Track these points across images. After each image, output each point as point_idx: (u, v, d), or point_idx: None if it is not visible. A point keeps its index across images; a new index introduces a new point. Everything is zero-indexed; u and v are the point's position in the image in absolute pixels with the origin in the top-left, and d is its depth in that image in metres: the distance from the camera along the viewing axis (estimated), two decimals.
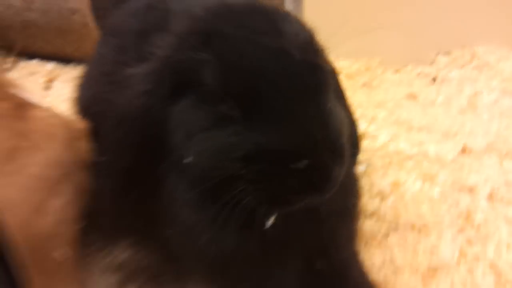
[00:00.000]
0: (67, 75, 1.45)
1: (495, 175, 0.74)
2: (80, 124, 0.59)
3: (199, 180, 0.43)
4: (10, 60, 1.57)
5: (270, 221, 0.43)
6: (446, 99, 1.07)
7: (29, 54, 1.60)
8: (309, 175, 0.40)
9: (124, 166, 0.47)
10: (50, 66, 1.53)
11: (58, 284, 0.52)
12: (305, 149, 0.40)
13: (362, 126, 0.88)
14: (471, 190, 0.70)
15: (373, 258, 0.58)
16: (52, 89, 1.34)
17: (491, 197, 0.69)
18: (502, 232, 0.62)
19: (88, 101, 0.63)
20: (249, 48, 0.43)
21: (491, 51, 1.27)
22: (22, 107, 0.55)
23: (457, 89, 1.12)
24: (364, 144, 0.84)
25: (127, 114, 0.46)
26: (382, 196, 0.69)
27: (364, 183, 0.71)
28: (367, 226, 0.63)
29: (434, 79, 1.22)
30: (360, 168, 0.71)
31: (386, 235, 0.62)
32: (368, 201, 0.68)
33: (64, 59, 1.54)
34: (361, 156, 0.71)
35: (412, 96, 1.12)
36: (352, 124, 0.58)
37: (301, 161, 0.39)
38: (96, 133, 0.58)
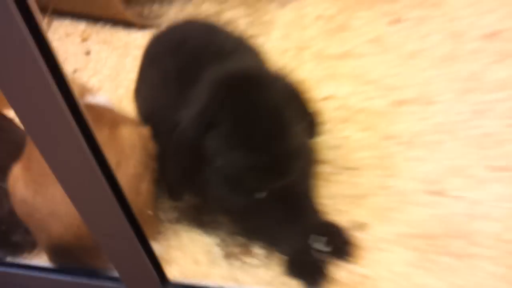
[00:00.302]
0: (99, 35, 1.76)
1: (415, 123, 1.11)
2: (146, 130, 0.97)
3: (224, 176, 0.83)
4: (45, 20, 1.87)
5: (262, 194, 0.83)
6: (400, 43, 1.38)
7: (59, 14, 1.89)
8: (278, 173, 0.80)
9: (183, 166, 0.87)
10: (82, 25, 1.83)
11: (148, 231, 0.95)
12: (275, 162, 0.79)
13: (329, 89, 1.24)
14: (393, 137, 1.09)
15: (324, 191, 0.99)
16: (92, 54, 1.67)
17: (405, 142, 1.07)
18: (404, 168, 1.02)
19: (147, 112, 1.01)
20: (246, 108, 0.79)
21: None
22: (113, 127, 0.93)
23: (411, 31, 1.42)
24: (328, 105, 1.21)
25: (182, 140, 0.84)
26: (336, 148, 1.08)
27: (324, 139, 1.10)
28: (322, 169, 1.04)
29: (396, 20, 1.51)
30: (322, 128, 1.09)
31: (335, 176, 1.03)
32: (327, 152, 1.08)
33: (92, 18, 1.82)
34: (324, 117, 1.10)
35: (375, 40, 1.43)
36: (310, 118, 0.96)
37: (274, 169, 0.79)
38: (156, 136, 0.97)
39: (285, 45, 1.47)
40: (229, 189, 0.83)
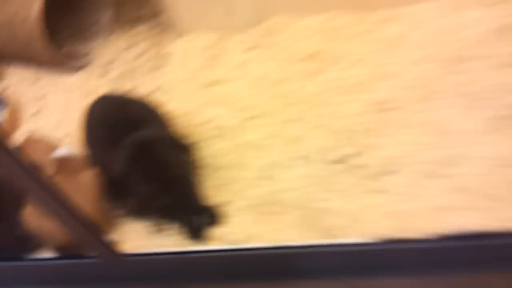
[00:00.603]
0: (46, 78, 2.35)
1: (257, 132, 1.83)
2: (95, 170, 1.66)
3: (141, 197, 1.55)
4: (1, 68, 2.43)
5: (166, 201, 1.56)
6: (252, 68, 2.05)
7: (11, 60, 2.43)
8: (169, 194, 1.52)
9: (120, 192, 1.59)
10: (32, 69, 2.40)
11: (108, 226, 1.67)
12: (165, 189, 1.51)
13: (208, 114, 1.92)
14: (244, 144, 1.80)
15: (204, 185, 1.72)
16: (44, 95, 2.27)
17: (250, 147, 1.79)
18: (249, 164, 1.75)
19: (97, 158, 1.70)
20: (146, 161, 1.50)
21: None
22: (77, 174, 1.61)
23: (261, 57, 2.09)
24: (207, 126, 1.90)
25: (116, 180, 1.55)
26: (211, 156, 1.80)
27: (204, 151, 1.81)
28: (203, 172, 1.76)
29: (252, 47, 2.16)
30: (198, 145, 1.80)
31: (210, 174, 1.76)
32: (206, 160, 1.79)
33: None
34: (204, 136, 1.81)
35: (237, 66, 2.10)
36: (191, 150, 1.66)
37: (166, 193, 1.51)
38: (101, 173, 1.67)
39: (180, 76, 2.12)
40: (145, 204, 1.55)
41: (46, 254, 1.64)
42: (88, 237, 1.47)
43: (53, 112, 2.13)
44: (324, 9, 2.06)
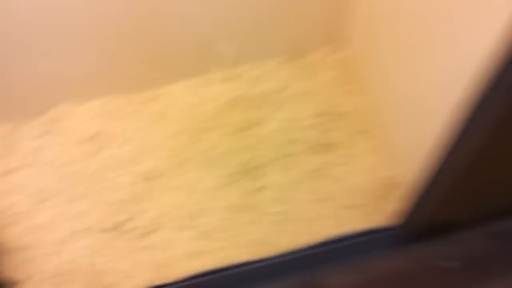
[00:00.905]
0: None
1: (47, 213, 2.17)
2: None
3: None
4: None
5: None
6: (41, 156, 2.40)
7: None
8: None
9: None
10: None
11: None
12: None
13: (5, 202, 2.22)
14: (39, 225, 2.14)
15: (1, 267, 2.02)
16: None
17: (39, 226, 2.14)
18: (41, 245, 2.09)
19: None
20: None
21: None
22: None
23: (51, 144, 2.44)
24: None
25: None
26: (6, 243, 2.11)
27: None
28: None
29: (41, 134, 2.50)
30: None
31: (6, 258, 2.06)
32: (1, 245, 2.09)
33: None
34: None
35: (31, 153, 2.42)
36: None
37: None
38: None
39: None
40: None
41: None
42: None
43: None
44: (100, 94, 2.44)
